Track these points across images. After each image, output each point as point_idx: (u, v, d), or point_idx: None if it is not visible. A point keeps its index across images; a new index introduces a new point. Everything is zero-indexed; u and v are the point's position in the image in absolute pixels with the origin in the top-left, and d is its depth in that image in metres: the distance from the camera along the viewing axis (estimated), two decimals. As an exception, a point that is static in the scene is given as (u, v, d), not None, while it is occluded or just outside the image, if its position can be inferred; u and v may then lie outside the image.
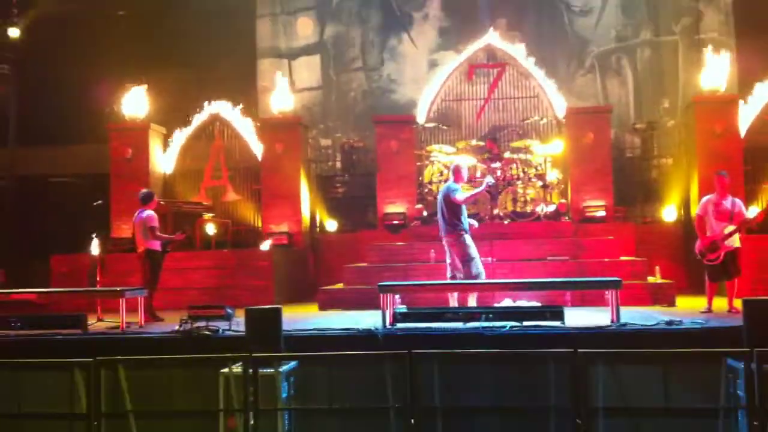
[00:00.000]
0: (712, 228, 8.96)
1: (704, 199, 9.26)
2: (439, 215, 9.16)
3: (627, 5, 16.00)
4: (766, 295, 9.05)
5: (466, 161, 12.63)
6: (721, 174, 9.16)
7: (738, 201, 9.10)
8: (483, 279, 8.94)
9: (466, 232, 8.94)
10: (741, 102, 12.51)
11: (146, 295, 9.29)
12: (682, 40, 15.76)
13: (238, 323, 7.74)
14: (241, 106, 13.92)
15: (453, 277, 8.98)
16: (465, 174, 9.32)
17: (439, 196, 9.25)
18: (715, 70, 12.68)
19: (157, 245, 9.84)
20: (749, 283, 10.29)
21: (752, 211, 10.03)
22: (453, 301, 8.90)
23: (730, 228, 8.88)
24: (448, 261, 9.07)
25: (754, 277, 10.45)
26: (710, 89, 12.62)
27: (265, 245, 12.42)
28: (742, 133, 12.39)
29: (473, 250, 8.94)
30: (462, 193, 9.02)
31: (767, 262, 10.82)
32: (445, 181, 12.48)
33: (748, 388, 5.93)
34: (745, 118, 12.47)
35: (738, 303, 7.98)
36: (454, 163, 9.69)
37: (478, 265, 8.92)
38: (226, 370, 6.56)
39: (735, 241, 8.95)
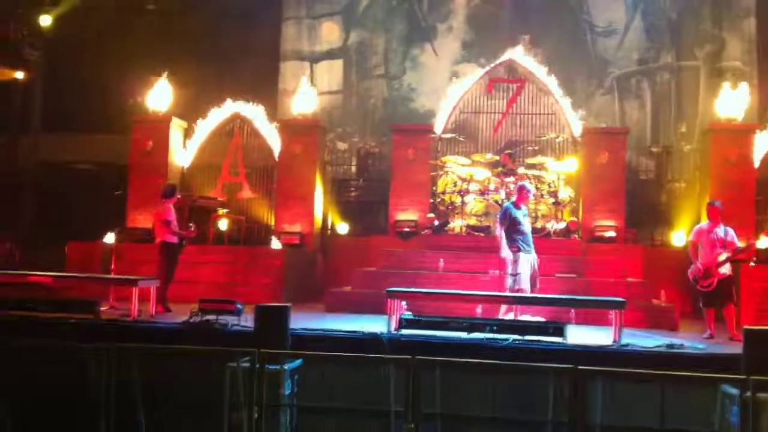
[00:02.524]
0: (705, 255, 9.11)
1: (697, 227, 9.48)
2: (529, 230, 9.67)
3: (651, 29, 16.10)
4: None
5: (481, 174, 12.85)
6: (714, 203, 9.40)
7: (731, 230, 9.24)
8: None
9: (520, 250, 9.37)
10: (758, 132, 12.60)
11: (159, 285, 9.50)
12: (704, 66, 15.84)
13: (247, 319, 7.92)
14: (262, 105, 14.09)
15: (523, 290, 9.24)
16: (528, 195, 9.75)
17: (527, 212, 9.83)
18: (734, 98, 12.76)
19: (173, 238, 10.04)
20: (754, 311, 10.38)
21: (744, 240, 10.11)
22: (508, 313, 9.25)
23: (724, 255, 9.01)
24: (531, 276, 9.39)
25: (759, 306, 10.52)
26: (728, 117, 12.69)
27: (277, 244, 12.58)
28: (756, 163, 12.46)
29: (520, 267, 9.32)
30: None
31: (771, 293, 10.86)
32: (461, 192, 12.76)
33: (742, 414, 6.03)
34: (761, 148, 12.54)
35: (740, 331, 8.08)
36: (522, 183, 9.99)
37: (521, 281, 9.27)
38: (233, 363, 6.71)
39: (727, 269, 9.10)
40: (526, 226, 9.57)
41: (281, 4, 17.01)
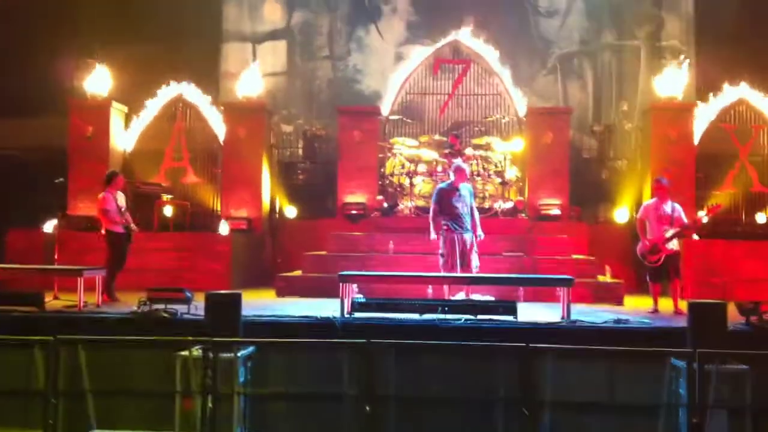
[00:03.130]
0: (653, 232, 9.31)
1: (645, 203, 9.68)
2: (464, 210, 9.41)
3: (591, 9, 16.29)
4: (711, 298, 9.42)
5: (428, 155, 12.89)
6: (661, 180, 9.57)
7: (678, 206, 9.46)
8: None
9: (447, 230, 9.37)
10: (696, 110, 12.90)
11: (105, 274, 9.30)
12: (644, 46, 16.11)
13: (197, 307, 7.81)
14: (204, 88, 13.85)
15: (455, 270, 9.21)
16: (464, 174, 9.64)
17: (465, 192, 9.50)
18: (673, 77, 13.04)
19: (116, 227, 9.82)
20: (695, 285, 10.67)
21: (691, 215, 10.36)
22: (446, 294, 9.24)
23: (671, 232, 9.23)
24: (451, 253, 9.26)
25: (700, 279, 10.83)
26: (667, 96, 12.97)
27: (224, 229, 12.43)
28: (696, 140, 12.78)
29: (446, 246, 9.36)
30: None
31: (713, 266, 11.18)
32: (409, 174, 12.77)
33: (689, 386, 6.20)
34: (700, 125, 12.85)
35: (683, 304, 8.31)
36: (457, 163, 9.87)
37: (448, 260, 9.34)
38: (184, 352, 6.62)
39: (675, 245, 9.32)
40: (460, 206, 9.39)
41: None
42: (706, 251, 11.25)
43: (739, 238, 11.97)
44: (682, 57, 14.00)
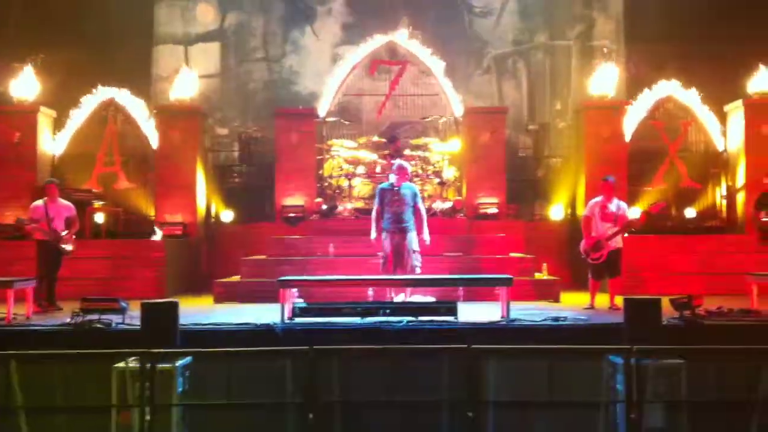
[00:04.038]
0: (597, 229, 9.47)
1: (592, 201, 9.78)
2: (405, 211, 9.25)
3: (524, 10, 16.51)
4: (644, 293, 9.66)
5: (367, 157, 12.87)
6: (608, 179, 9.70)
7: (622, 204, 9.66)
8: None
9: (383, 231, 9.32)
10: (627, 108, 13.19)
11: (36, 285, 9.02)
12: (576, 45, 16.40)
13: (132, 317, 7.62)
14: (136, 91, 13.53)
15: (393, 271, 9.13)
16: (406, 173, 9.53)
17: (407, 192, 9.33)
18: (605, 76, 13.32)
19: (44, 236, 9.52)
20: (628, 280, 10.89)
21: (634, 213, 10.60)
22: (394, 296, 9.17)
23: (614, 229, 9.40)
24: (393, 255, 9.17)
25: (633, 275, 11.06)
26: (599, 95, 13.23)
27: (159, 235, 12.17)
28: (628, 137, 13.06)
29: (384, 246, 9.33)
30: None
31: (646, 262, 11.44)
32: (348, 176, 12.73)
33: (626, 382, 6.32)
34: (631, 123, 13.14)
35: (619, 300, 8.48)
36: (398, 163, 9.77)
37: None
38: (120, 364, 6.45)
39: (617, 242, 9.50)
40: (402, 206, 9.25)
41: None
42: (639, 246, 11.49)
43: (670, 232, 12.28)
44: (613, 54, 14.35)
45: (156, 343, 6.55)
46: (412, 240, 9.28)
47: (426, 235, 9.36)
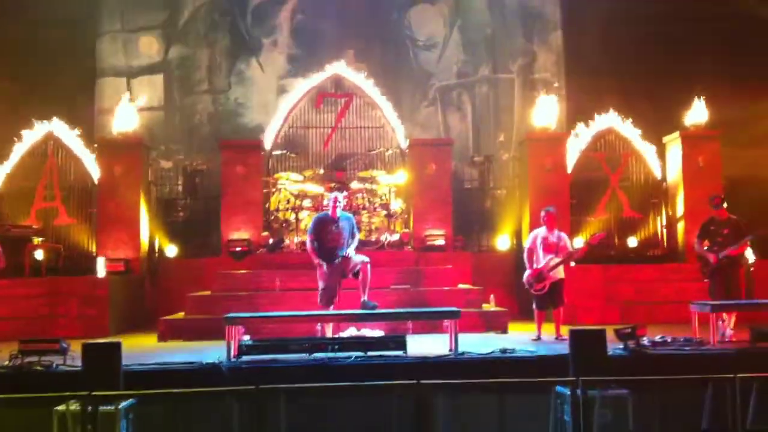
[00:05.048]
0: (539, 260, 9.59)
1: (533, 232, 9.92)
2: (345, 242, 9.15)
3: (467, 43, 16.80)
4: (589, 322, 9.80)
5: (314, 190, 12.84)
6: (549, 210, 9.84)
7: (563, 235, 9.79)
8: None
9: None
10: (569, 139, 13.47)
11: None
12: (518, 78, 16.72)
13: (74, 357, 7.40)
14: (78, 124, 13.30)
15: (328, 304, 9.01)
16: (337, 203, 9.41)
17: (344, 223, 9.25)
18: (546, 108, 13.58)
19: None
20: (574, 310, 11.03)
21: (577, 243, 10.76)
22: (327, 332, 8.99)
23: (556, 260, 9.53)
24: (328, 287, 9.03)
25: (578, 304, 11.21)
26: (541, 127, 13.48)
27: (101, 272, 11.90)
28: (570, 168, 13.32)
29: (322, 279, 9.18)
30: None
31: (590, 291, 11.63)
32: (294, 209, 12.66)
33: (573, 413, 6.37)
34: (573, 154, 13.41)
35: (565, 330, 8.57)
36: (335, 193, 9.69)
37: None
38: (61, 407, 6.25)
39: (559, 273, 9.63)
40: (338, 237, 9.14)
41: (95, 18, 16.14)
42: (582, 276, 11.68)
43: (613, 262, 12.51)
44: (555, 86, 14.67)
45: (98, 384, 6.39)
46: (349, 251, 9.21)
47: (352, 252, 9.18)
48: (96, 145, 13.21)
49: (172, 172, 15.57)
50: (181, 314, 10.92)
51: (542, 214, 9.84)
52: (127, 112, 13.31)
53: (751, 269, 11.62)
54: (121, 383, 6.67)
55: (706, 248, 9.43)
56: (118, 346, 6.83)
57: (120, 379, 6.69)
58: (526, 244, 9.94)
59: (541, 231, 9.74)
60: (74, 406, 6.24)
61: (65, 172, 13.15)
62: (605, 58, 15.33)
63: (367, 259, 9.23)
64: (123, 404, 6.41)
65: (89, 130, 14.19)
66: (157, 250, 13.53)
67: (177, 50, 16.42)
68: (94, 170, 13.01)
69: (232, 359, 7.64)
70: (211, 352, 8.00)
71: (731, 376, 6.62)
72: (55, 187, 13.00)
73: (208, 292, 11.33)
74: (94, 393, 6.11)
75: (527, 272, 9.66)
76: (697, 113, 13.30)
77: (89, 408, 6.05)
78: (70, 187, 13.12)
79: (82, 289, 11.30)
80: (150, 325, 10.99)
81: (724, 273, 9.29)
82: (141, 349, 8.97)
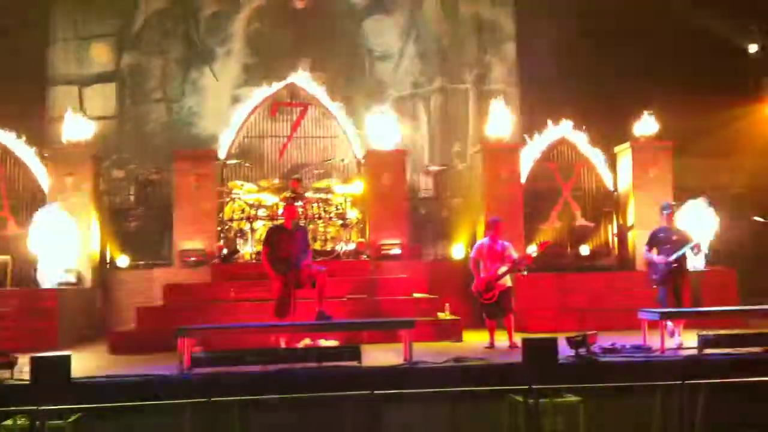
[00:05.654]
0: (486, 269, 9.68)
1: (478, 242, 10.05)
2: (300, 252, 9.21)
3: (423, 54, 16.92)
4: (542, 330, 9.92)
5: (269, 199, 12.78)
6: (496, 219, 9.96)
7: (508, 244, 9.90)
8: None
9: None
10: (523, 149, 13.63)
11: None
12: (473, 89, 16.87)
13: (22, 371, 7.24)
14: (28, 133, 13.04)
15: (285, 315, 9.00)
16: (293, 212, 9.49)
17: (299, 233, 9.36)
18: (501, 119, 13.73)
19: None
20: (527, 318, 11.15)
21: (529, 250, 10.83)
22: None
23: (503, 269, 9.64)
24: (284, 297, 9.01)
25: (531, 313, 11.34)
26: (496, 137, 13.61)
27: (51, 283, 11.67)
28: (524, 178, 13.48)
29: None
30: None
31: (543, 299, 11.76)
32: (249, 219, 12.58)
33: (527, 421, 6.45)
34: (526, 164, 13.58)
35: (518, 338, 8.65)
36: (287, 204, 9.69)
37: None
38: (8, 422, 6.13)
39: (507, 281, 9.73)
40: (292, 247, 9.18)
41: (46, 26, 15.87)
42: (535, 284, 11.81)
43: (565, 270, 12.68)
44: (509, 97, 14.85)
45: (47, 398, 6.31)
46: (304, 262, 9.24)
47: (307, 261, 9.29)
48: (45, 154, 12.97)
49: (124, 182, 15.34)
50: (132, 326, 10.75)
51: (489, 222, 9.96)
52: (78, 122, 13.09)
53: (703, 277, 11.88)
54: (71, 397, 6.56)
55: (655, 256, 9.61)
56: (67, 358, 6.72)
57: (69, 392, 6.57)
58: (472, 254, 10.04)
59: (486, 240, 9.86)
60: (22, 421, 6.12)
61: (14, 182, 12.89)
62: (559, 69, 15.56)
63: (323, 269, 9.24)
64: (72, 418, 6.32)
65: (40, 139, 13.92)
66: (108, 260, 13.31)
67: (130, 58, 16.22)
68: (46, 179, 12.78)
69: (185, 372, 7.55)
70: (163, 364, 7.90)
71: (679, 382, 6.76)
72: (3, 196, 12.73)
73: (160, 303, 11.19)
74: (42, 407, 6.00)
75: (474, 282, 9.76)
76: (646, 125, 13.56)
77: (37, 423, 5.94)
78: (19, 197, 12.86)
79: (31, 302, 11.05)
80: (101, 337, 10.82)
81: (672, 281, 9.49)
82: (91, 361, 8.82)
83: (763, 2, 15.67)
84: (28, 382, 6.76)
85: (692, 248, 9.51)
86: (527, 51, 16.66)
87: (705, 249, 11.78)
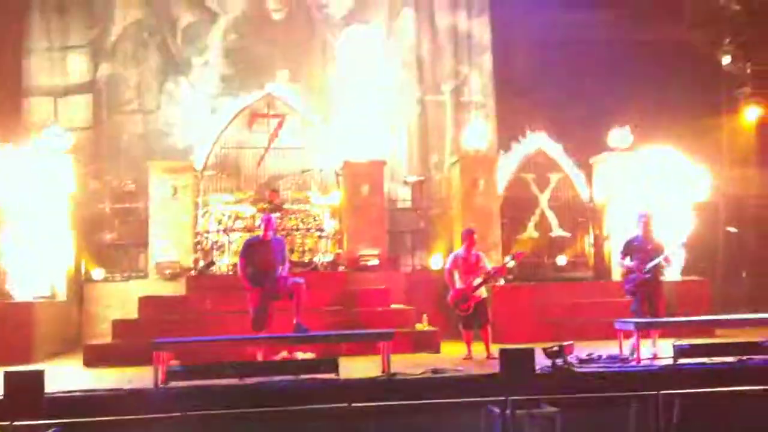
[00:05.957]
0: (462, 280, 9.72)
1: (453, 254, 10.08)
2: (276, 265, 9.18)
3: (400, 65, 16.91)
4: (519, 341, 9.92)
5: (246, 211, 12.74)
6: (470, 230, 10.01)
7: (481, 254, 9.95)
8: None
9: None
10: (500, 160, 13.72)
11: None
12: (450, 100, 16.91)
13: (-6, 387, 7.14)
14: (4, 143, 12.90)
15: (262, 328, 9.00)
16: (269, 224, 9.39)
17: (276, 245, 9.29)
18: (478, 129, 13.83)
19: None
20: (504, 329, 11.18)
21: (507, 261, 10.85)
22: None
23: (478, 280, 9.68)
24: (260, 310, 9.00)
25: (508, 323, 11.38)
26: (473, 148, 13.70)
27: (24, 296, 11.52)
28: (501, 188, 13.56)
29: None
30: None
31: (520, 310, 11.80)
32: (226, 230, 12.53)
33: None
34: (503, 174, 13.66)
35: (495, 348, 8.68)
36: (265, 216, 9.66)
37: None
38: (-21, 440, 6.04)
39: (483, 292, 9.77)
40: (270, 259, 9.16)
41: (21, 37, 15.72)
42: (512, 295, 11.86)
43: (542, 281, 12.76)
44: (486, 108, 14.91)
45: (21, 413, 6.20)
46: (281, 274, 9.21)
47: (284, 273, 9.24)
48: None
49: (99, 194, 15.17)
50: (108, 339, 10.65)
51: (463, 233, 9.99)
52: (54, 133, 12.95)
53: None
54: (45, 412, 6.47)
55: (629, 263, 9.67)
56: (41, 373, 6.63)
57: (43, 407, 6.48)
58: (447, 265, 10.07)
59: (461, 251, 9.89)
60: (-6, 438, 6.03)
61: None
62: (535, 80, 15.67)
63: (300, 280, 9.22)
64: (46, 434, 6.23)
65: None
66: (83, 273, 13.18)
67: (106, 69, 16.07)
68: (19, 191, 12.62)
69: (161, 386, 7.48)
70: (139, 377, 7.82)
71: (654, 393, 6.81)
72: (-22, 207, 12.55)
73: (135, 316, 11.09)
74: (15, 423, 5.91)
75: (450, 293, 9.78)
76: (619, 138, 13.66)
77: (9, 439, 5.85)
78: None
79: (4, 314, 10.92)
80: (76, 350, 10.70)
81: (646, 290, 9.55)
82: (66, 375, 8.71)
83: (737, 14, 15.90)
84: (0, 398, 6.66)
85: (663, 259, 9.57)
86: (504, 62, 16.75)
87: (677, 258, 11.86)
